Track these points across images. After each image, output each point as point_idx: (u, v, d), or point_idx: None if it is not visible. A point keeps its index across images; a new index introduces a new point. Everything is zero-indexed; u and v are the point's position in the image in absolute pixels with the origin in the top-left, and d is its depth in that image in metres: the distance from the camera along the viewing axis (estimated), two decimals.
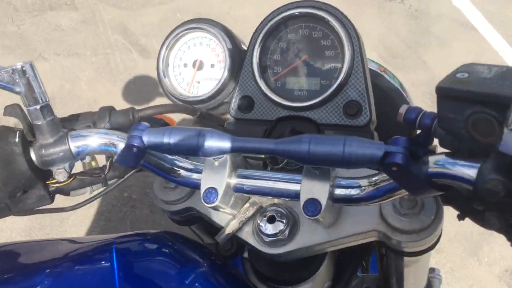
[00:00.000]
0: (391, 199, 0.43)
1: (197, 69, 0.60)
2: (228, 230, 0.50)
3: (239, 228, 0.51)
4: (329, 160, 0.40)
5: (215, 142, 0.43)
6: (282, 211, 0.49)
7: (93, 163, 0.51)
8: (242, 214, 0.50)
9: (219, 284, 0.51)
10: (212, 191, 0.46)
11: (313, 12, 0.54)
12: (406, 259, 0.52)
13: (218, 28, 0.58)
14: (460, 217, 0.43)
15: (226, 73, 0.57)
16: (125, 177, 0.54)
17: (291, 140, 0.41)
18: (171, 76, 0.60)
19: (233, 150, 0.43)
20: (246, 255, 0.58)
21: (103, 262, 0.47)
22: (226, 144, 0.43)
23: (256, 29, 0.57)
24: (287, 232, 0.49)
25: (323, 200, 0.43)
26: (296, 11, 0.55)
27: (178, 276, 0.49)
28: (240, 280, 0.56)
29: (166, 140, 0.44)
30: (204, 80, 0.59)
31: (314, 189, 0.44)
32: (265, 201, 0.51)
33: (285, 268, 0.54)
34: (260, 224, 0.49)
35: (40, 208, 0.51)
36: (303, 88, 0.55)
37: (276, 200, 0.50)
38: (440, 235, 0.50)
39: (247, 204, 0.51)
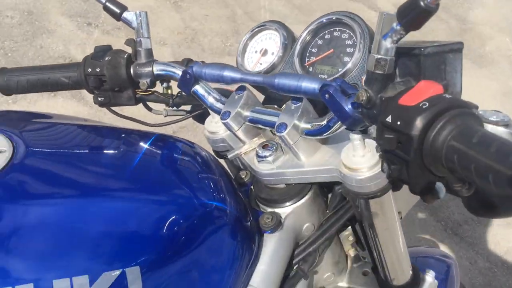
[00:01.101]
0: (334, 132, 0.58)
1: (262, 55, 0.82)
2: (238, 150, 0.70)
3: (246, 153, 0.69)
4: (288, 89, 0.58)
5: (229, 73, 0.65)
6: (274, 143, 0.67)
7: (169, 91, 0.77)
8: (250, 143, 0.69)
9: (228, 193, 0.68)
10: (227, 113, 0.67)
11: (343, 18, 0.72)
12: (371, 203, 0.62)
13: (281, 27, 0.80)
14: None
15: (276, 58, 0.78)
16: (187, 115, 0.78)
17: (270, 76, 0.61)
18: (245, 58, 0.84)
19: (239, 80, 0.64)
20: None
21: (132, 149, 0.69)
22: (235, 75, 0.64)
23: (305, 29, 0.77)
24: (272, 157, 0.66)
25: (290, 124, 0.60)
26: (333, 16, 0.74)
27: (189, 182, 0.67)
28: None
29: (203, 70, 0.67)
30: (264, 63, 0.81)
31: (286, 117, 0.61)
32: (271, 137, 0.69)
33: (276, 191, 0.69)
34: (258, 150, 0.67)
35: (131, 117, 0.78)
36: (325, 73, 0.73)
37: (277, 139, 0.68)
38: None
39: (256, 138, 0.70)
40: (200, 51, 2.65)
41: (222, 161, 0.80)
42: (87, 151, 0.63)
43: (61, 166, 0.57)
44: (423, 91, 0.43)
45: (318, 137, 0.61)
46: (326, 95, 0.54)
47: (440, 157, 0.41)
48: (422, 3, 0.41)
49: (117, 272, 0.48)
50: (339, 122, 0.56)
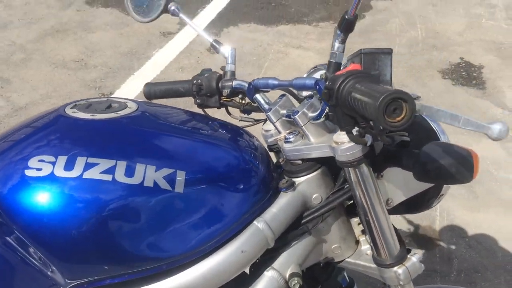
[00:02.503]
0: (327, 115, 0.86)
1: None
2: (275, 137, 1.00)
3: (280, 140, 1.00)
4: (299, 87, 0.90)
5: (271, 81, 0.98)
6: (296, 131, 0.96)
7: (243, 101, 1.12)
8: (284, 133, 0.99)
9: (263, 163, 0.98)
10: (269, 109, 0.99)
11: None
12: (351, 171, 0.86)
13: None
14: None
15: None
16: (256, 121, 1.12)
17: (289, 80, 0.93)
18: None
19: (276, 85, 0.97)
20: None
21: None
22: (274, 82, 0.97)
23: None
24: (293, 139, 0.95)
25: (300, 111, 0.90)
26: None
27: None
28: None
29: (259, 81, 1.01)
30: None
31: (300, 107, 0.92)
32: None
33: (294, 165, 0.96)
34: (286, 135, 0.97)
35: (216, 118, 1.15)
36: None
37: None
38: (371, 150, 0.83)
39: (288, 130, 1.00)
40: None
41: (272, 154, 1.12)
42: (179, 122, 1.00)
43: (159, 121, 0.95)
44: (348, 68, 0.71)
45: (319, 120, 0.89)
46: (316, 86, 0.84)
47: (345, 101, 0.67)
48: (346, 16, 0.71)
49: (171, 170, 0.81)
50: (327, 107, 0.85)
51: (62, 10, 4.25)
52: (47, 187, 0.76)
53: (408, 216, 2.44)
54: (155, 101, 1.30)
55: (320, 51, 3.81)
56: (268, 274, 0.91)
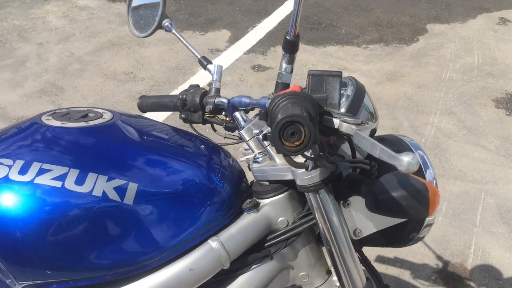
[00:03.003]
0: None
1: None
2: (247, 156, 0.98)
3: (251, 159, 0.97)
4: (261, 105, 0.87)
5: (244, 100, 0.96)
6: (266, 152, 0.94)
7: (227, 118, 1.11)
8: (256, 152, 0.97)
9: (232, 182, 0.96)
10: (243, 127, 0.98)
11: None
12: (311, 197, 0.83)
13: None
14: None
15: None
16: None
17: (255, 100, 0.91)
18: None
19: (248, 104, 0.95)
20: None
21: None
22: (246, 100, 0.95)
23: None
24: (261, 159, 0.93)
25: (246, 127, 0.89)
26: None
27: None
28: None
29: (236, 99, 1.00)
30: None
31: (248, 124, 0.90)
32: None
33: (261, 186, 0.94)
34: (256, 155, 0.95)
35: (199, 133, 1.15)
36: None
37: None
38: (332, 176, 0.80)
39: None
40: None
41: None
42: (150, 135, 1.00)
43: (128, 133, 0.96)
44: (290, 89, 0.68)
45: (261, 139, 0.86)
46: (264, 105, 0.82)
47: (275, 119, 0.64)
48: (287, 37, 0.69)
49: (123, 182, 0.82)
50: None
51: (121, 25, 4.48)
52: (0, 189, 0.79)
53: (438, 250, 2.29)
54: (149, 114, 1.32)
55: (365, 73, 3.73)
56: None
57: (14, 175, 0.79)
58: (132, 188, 0.81)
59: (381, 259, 2.22)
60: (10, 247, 0.79)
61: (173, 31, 1.17)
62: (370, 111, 0.95)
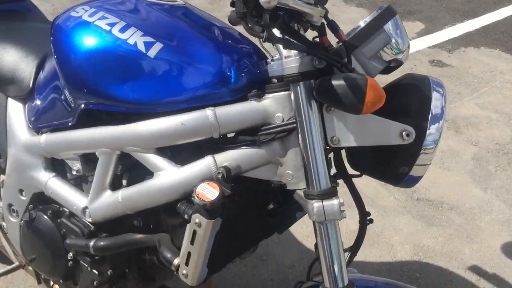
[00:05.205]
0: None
1: None
2: None
3: None
4: None
5: None
6: None
7: None
8: None
9: None
10: None
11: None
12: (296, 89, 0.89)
13: None
14: None
15: None
16: None
17: None
18: None
19: None
20: None
21: None
22: None
23: None
24: None
25: None
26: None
27: None
28: None
29: None
30: None
31: None
32: None
33: None
34: None
35: None
36: None
37: None
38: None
39: None
40: None
41: None
42: (196, 19, 1.11)
43: (182, 14, 1.10)
44: None
45: None
46: None
47: None
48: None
49: (153, 40, 0.99)
50: None
51: None
52: (85, 30, 1.03)
53: None
54: None
55: None
56: (206, 158, 0.97)
57: (86, 17, 1.05)
58: (157, 46, 0.99)
59: None
60: (73, 74, 1.05)
61: None
62: (393, 37, 0.92)
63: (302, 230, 2.12)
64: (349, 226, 1.88)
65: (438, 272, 1.97)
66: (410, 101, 0.91)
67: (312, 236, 1.72)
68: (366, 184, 2.31)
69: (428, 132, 0.88)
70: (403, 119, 0.88)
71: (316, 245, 0.96)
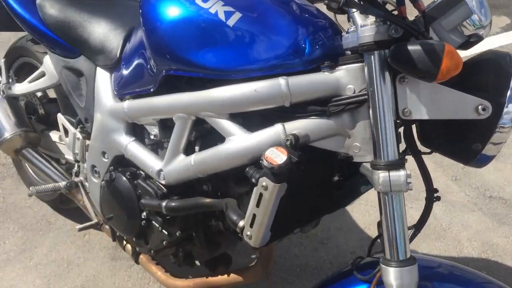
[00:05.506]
0: None
1: None
2: None
3: None
4: None
5: None
6: None
7: None
8: None
9: None
10: None
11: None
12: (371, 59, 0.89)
13: None
14: None
15: None
16: None
17: None
18: None
19: None
20: None
21: None
22: None
23: None
24: None
25: None
26: None
27: None
28: None
29: None
30: None
31: None
32: None
33: None
34: None
35: None
36: None
37: None
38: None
39: None
40: None
41: None
42: None
43: None
44: None
45: None
46: None
47: None
48: None
49: (232, 9, 1.04)
50: None
51: None
52: (171, 0, 1.10)
53: None
54: None
55: None
56: (276, 126, 1.00)
57: None
58: (237, 16, 1.03)
59: None
60: (159, 42, 1.11)
61: None
62: (475, 11, 0.90)
63: (365, 218, 2.10)
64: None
65: (507, 272, 1.88)
66: (488, 76, 0.88)
67: (374, 226, 1.72)
68: (435, 179, 2.24)
69: (505, 109, 0.85)
70: (480, 94, 0.85)
71: (379, 222, 0.96)
